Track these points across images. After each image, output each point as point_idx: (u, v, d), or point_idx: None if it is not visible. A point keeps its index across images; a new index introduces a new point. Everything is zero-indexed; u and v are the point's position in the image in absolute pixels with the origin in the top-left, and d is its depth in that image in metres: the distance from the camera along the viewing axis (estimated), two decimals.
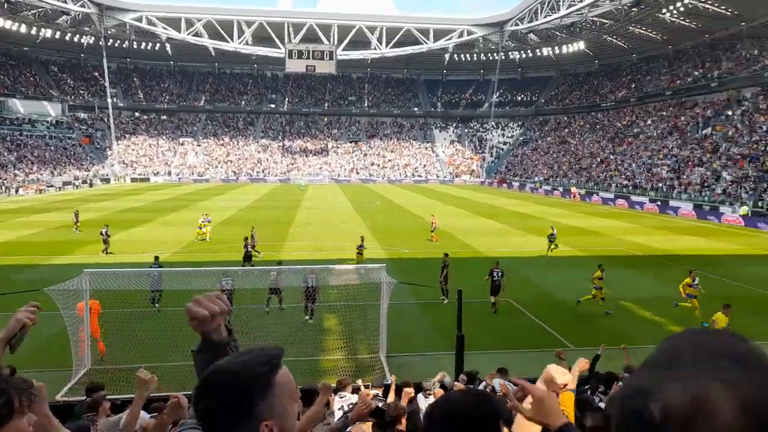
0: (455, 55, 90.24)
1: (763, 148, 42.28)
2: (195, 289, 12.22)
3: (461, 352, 10.90)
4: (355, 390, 6.91)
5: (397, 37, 77.69)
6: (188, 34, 75.53)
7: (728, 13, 60.23)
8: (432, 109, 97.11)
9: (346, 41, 76.95)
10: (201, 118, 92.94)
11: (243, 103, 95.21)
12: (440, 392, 6.31)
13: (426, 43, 79.41)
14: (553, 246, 24.21)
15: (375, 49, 79.56)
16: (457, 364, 10.78)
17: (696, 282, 15.26)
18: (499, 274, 16.50)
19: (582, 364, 3.16)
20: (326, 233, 30.00)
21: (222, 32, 75.41)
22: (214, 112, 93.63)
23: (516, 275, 20.39)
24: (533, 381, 2.41)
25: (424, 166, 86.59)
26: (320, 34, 76.85)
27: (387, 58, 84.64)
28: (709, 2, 57.28)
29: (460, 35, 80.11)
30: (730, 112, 51.99)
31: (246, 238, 21.07)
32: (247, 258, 20.22)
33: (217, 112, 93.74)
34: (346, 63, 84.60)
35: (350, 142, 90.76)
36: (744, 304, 16.21)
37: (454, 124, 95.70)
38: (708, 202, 39.74)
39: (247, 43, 77.53)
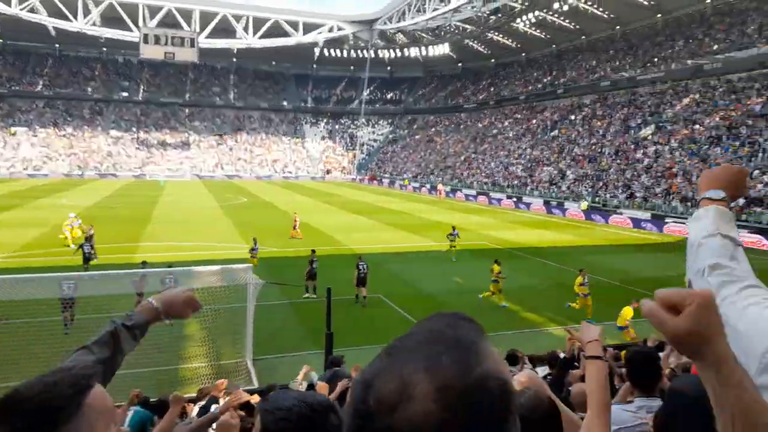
0: (325, 50, 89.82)
1: (599, 150, 47.54)
2: (30, 299, 10.58)
3: (330, 351, 10.71)
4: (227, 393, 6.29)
5: (264, 28, 75.26)
6: (21, 9, 66.16)
7: (571, 27, 67.10)
8: (302, 103, 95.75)
9: (209, 29, 72.77)
10: (38, 105, 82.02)
11: (90, 89, 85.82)
12: (322, 385, 5.86)
13: (295, 35, 78.02)
14: (453, 245, 23.67)
15: (241, 39, 76.33)
16: (327, 362, 10.47)
17: (586, 281, 15.60)
18: (365, 267, 16.54)
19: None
20: (188, 232, 27.91)
21: (64, 9, 67.12)
22: (54, 99, 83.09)
23: (385, 270, 20.54)
24: None
25: (294, 162, 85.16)
26: (180, 18, 71.81)
27: (254, 49, 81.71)
28: (556, 16, 63.27)
29: (330, 30, 79.91)
30: (573, 117, 57.82)
31: (86, 239, 18.74)
32: (86, 260, 17.98)
33: (58, 99, 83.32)
34: (209, 52, 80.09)
35: (215, 136, 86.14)
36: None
37: (325, 120, 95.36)
38: (555, 198, 43.75)
39: (94, 24, 69.96)
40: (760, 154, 33.65)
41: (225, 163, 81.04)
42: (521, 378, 2.50)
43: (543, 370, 7.95)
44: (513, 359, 8.68)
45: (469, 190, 54.95)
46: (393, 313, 15.62)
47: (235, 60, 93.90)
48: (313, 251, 17.81)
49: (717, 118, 40.13)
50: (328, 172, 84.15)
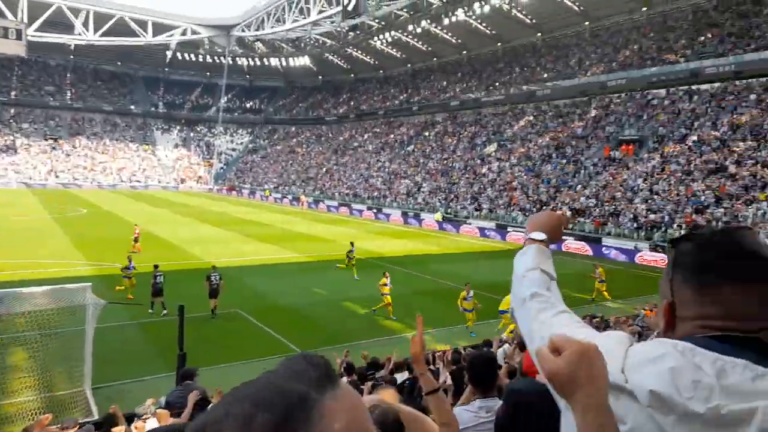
0: (178, 54, 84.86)
1: (451, 165, 50.98)
2: None
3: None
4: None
5: (108, 25, 68.86)
6: None
7: (424, 49, 71.31)
8: (152, 108, 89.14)
9: (40, 20, 64.79)
10: None
11: None
12: (162, 413, 5.45)
13: (144, 36, 72.68)
14: (352, 263, 22.88)
15: (80, 34, 69.11)
16: (178, 384, 9.78)
17: (471, 294, 15.84)
18: (217, 278, 16.12)
19: None
20: (13, 247, 24.41)
21: None
22: None
23: (245, 284, 19.90)
24: None
25: (144, 170, 78.88)
26: (2, 6, 63.10)
27: (96, 46, 74.55)
28: (410, 37, 66.80)
29: (184, 33, 75.73)
30: (427, 133, 61.34)
31: None
32: None
33: None
34: (41, 46, 71.40)
35: (47, 140, 76.65)
36: (435, 296, 19.14)
37: (179, 127, 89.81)
38: (412, 209, 45.93)
39: None
40: (582, 171, 38.63)
41: (60, 170, 72.40)
42: (367, 399, 2.63)
43: (402, 376, 8.27)
44: (376, 366, 8.91)
45: (332, 201, 55.47)
46: (252, 328, 15.15)
47: (72, 57, 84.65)
48: (156, 266, 16.70)
49: (548, 139, 45.33)
50: (182, 181, 79.30)
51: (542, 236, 1.44)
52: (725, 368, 0.92)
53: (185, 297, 16.59)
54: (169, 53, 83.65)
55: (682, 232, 25.80)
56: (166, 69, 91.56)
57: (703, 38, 41.88)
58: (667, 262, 1.10)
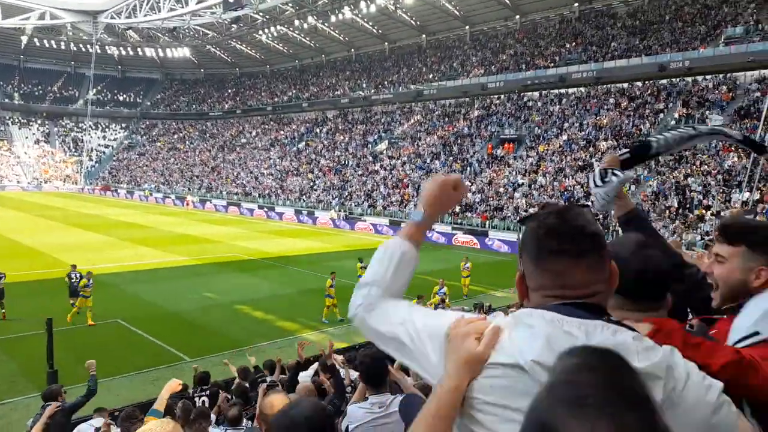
0: (36, 40, 76.01)
1: (344, 162, 50.99)
2: None
3: None
4: None
5: None
6: None
7: (312, 45, 70.65)
8: (6, 99, 78.91)
9: None
10: None
11: None
12: None
13: None
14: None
15: None
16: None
17: (443, 290, 16.07)
18: (78, 276, 15.44)
19: None
20: None
21: None
22: None
23: (125, 292, 18.33)
24: None
25: None
26: None
27: None
28: (297, 32, 65.77)
29: (41, 17, 67.81)
30: (318, 130, 60.82)
31: None
32: None
33: None
34: None
35: None
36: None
37: (40, 121, 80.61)
38: (306, 207, 45.28)
39: None
40: (469, 168, 40.54)
41: None
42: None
43: (307, 375, 8.01)
44: (271, 368, 8.58)
45: (220, 200, 53.04)
46: (135, 339, 13.94)
47: None
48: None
49: (436, 137, 46.99)
50: (46, 181, 71.35)
51: (419, 216, 1.47)
52: (589, 329, 1.05)
53: (54, 309, 14.91)
54: (24, 39, 74.68)
55: None
56: (22, 56, 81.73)
57: (568, 46, 45.81)
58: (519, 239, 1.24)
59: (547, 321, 1.07)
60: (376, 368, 3.46)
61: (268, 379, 7.91)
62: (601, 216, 28.61)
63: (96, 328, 14.57)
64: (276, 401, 2.82)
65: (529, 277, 1.17)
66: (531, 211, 32.03)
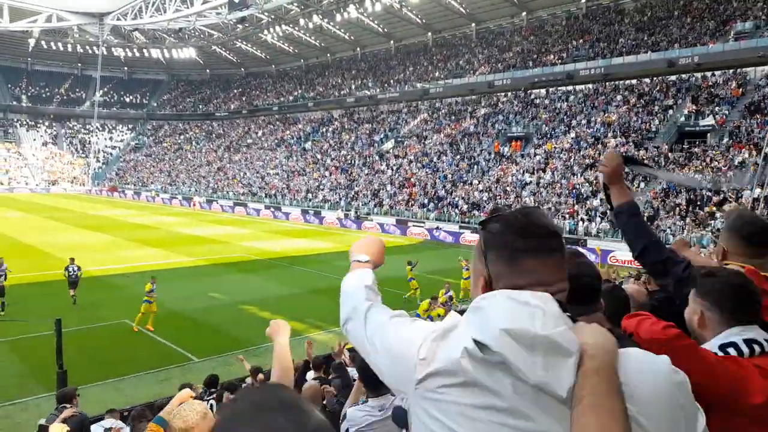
0: (44, 42, 76.39)
1: (350, 162, 50.90)
2: None
3: None
4: None
5: None
6: None
7: (317, 45, 70.60)
8: (14, 102, 79.38)
9: None
10: None
11: None
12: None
13: None
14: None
15: None
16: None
17: (449, 293, 16.04)
18: (75, 269, 16.34)
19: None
20: None
21: None
22: None
23: (130, 292, 18.30)
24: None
25: (7, 171, 70.33)
26: None
27: None
28: (302, 32, 65.72)
29: (48, 20, 68.08)
30: (324, 129, 60.78)
31: None
32: None
33: None
34: None
35: None
36: (338, 294, 18.74)
37: (47, 123, 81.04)
38: (312, 207, 45.23)
39: None
40: (476, 166, 40.34)
41: None
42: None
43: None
44: (255, 372, 8.46)
45: (226, 200, 53.10)
46: (143, 339, 13.93)
47: None
48: None
49: (442, 135, 46.81)
50: (53, 183, 71.74)
51: (365, 258, 1.60)
52: (546, 300, 1.09)
53: (62, 309, 14.92)
54: (32, 41, 75.12)
55: (567, 222, 27.62)
56: (29, 59, 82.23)
57: (576, 42, 45.48)
58: (478, 241, 1.24)
59: (500, 296, 1.09)
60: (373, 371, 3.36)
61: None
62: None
63: (104, 329, 14.56)
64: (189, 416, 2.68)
65: (500, 279, 1.16)
66: None
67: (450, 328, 1.11)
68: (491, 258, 1.18)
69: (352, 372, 7.44)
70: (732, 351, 1.66)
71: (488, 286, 1.18)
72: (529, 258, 1.13)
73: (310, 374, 7.94)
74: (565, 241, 1.22)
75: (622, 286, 2.58)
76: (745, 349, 1.65)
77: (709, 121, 31.86)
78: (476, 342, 1.01)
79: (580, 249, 1.44)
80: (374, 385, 3.32)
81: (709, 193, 26.88)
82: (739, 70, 34.35)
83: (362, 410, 3.26)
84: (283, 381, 2.27)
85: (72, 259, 17.48)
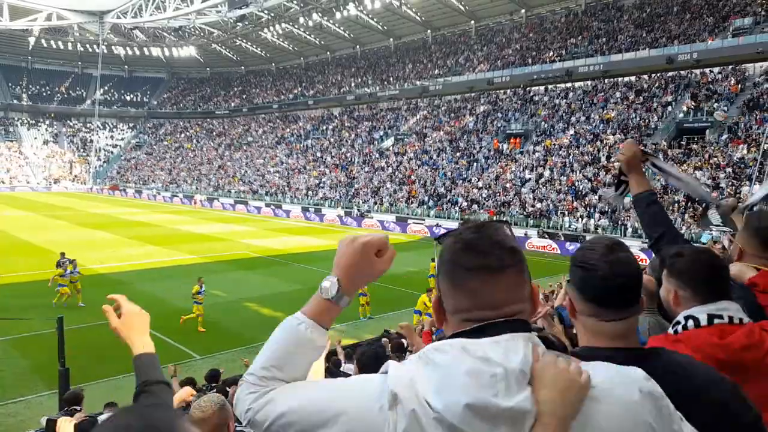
0: (44, 41, 76.48)
1: (350, 159, 51.00)
2: None
3: (66, 389, 9.13)
4: None
5: None
6: None
7: (317, 43, 70.58)
8: (15, 101, 79.49)
9: None
10: None
11: None
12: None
13: None
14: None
15: None
16: (62, 402, 8.98)
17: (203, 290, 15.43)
18: (67, 262, 16.53)
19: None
20: None
21: None
22: None
23: (132, 289, 18.44)
24: None
25: (9, 170, 70.52)
26: None
27: None
28: (302, 30, 65.73)
29: (48, 18, 68.18)
30: (324, 127, 60.86)
31: None
32: None
33: None
34: None
35: None
36: None
37: (48, 122, 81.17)
38: (313, 205, 45.35)
39: None
40: (475, 164, 40.43)
41: None
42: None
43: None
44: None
45: (227, 198, 53.24)
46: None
47: None
48: None
49: (442, 133, 46.88)
50: (55, 181, 71.89)
51: (333, 290, 1.20)
52: (509, 347, 0.98)
53: (64, 308, 15.07)
54: (32, 40, 75.19)
55: (566, 218, 27.73)
56: (30, 58, 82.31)
57: (575, 40, 45.50)
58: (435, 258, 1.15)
59: (456, 350, 0.98)
60: (375, 366, 3.45)
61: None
62: (610, 210, 28.50)
63: (106, 327, 14.61)
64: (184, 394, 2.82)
65: (446, 299, 1.08)
66: (538, 206, 31.97)
67: (397, 393, 0.96)
68: (441, 276, 1.09)
69: (347, 368, 7.58)
70: (690, 323, 1.73)
71: (440, 307, 1.11)
72: (473, 276, 1.03)
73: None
74: (523, 256, 1.08)
75: None
76: (704, 322, 1.71)
77: (718, 116, 31.61)
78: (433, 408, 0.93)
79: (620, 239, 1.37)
80: None
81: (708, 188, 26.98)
82: (738, 66, 34.40)
83: None
84: None
85: (62, 254, 17.45)
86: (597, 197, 29.94)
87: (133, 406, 0.78)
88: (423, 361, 0.99)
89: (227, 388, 7.30)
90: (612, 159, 31.97)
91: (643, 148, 2.44)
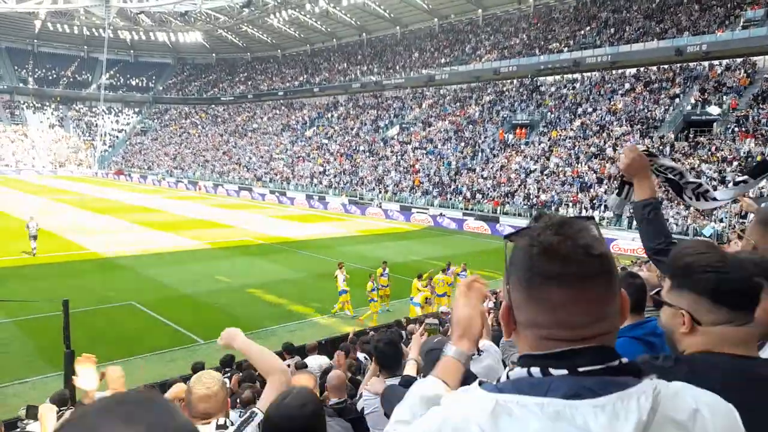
0: (50, 24, 76.33)
1: (355, 148, 50.91)
2: None
3: (71, 372, 9.19)
4: None
5: None
6: None
7: (323, 29, 70.18)
8: (21, 84, 79.58)
9: None
10: None
11: None
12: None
13: (5, 2, 64.29)
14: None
15: None
16: (67, 384, 9.07)
17: (386, 272, 15.89)
18: (36, 225, 19.14)
19: None
20: None
21: None
22: None
23: (137, 274, 18.59)
24: None
25: (14, 153, 70.75)
26: None
27: None
28: (308, 17, 65.38)
29: (54, 1, 67.91)
30: (329, 115, 60.70)
31: None
32: None
33: None
34: None
35: None
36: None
37: (54, 105, 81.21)
38: (317, 193, 45.38)
39: None
40: (480, 153, 40.30)
41: None
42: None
43: (316, 359, 8.11)
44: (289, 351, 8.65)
45: (232, 185, 53.32)
46: (150, 321, 14.17)
47: None
48: None
49: (447, 122, 46.70)
50: (60, 165, 72.11)
51: (454, 349, 1.24)
52: (618, 412, 0.81)
53: (71, 290, 15.20)
54: (38, 23, 75.04)
55: (570, 210, 27.66)
56: (36, 41, 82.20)
57: (583, 30, 45.07)
58: (505, 260, 0.97)
59: (547, 416, 0.80)
60: (390, 352, 3.45)
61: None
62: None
63: (111, 311, 14.81)
64: (302, 380, 2.90)
65: (519, 310, 0.93)
66: (542, 197, 31.88)
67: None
68: (513, 282, 0.94)
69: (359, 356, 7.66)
70: None
71: (511, 317, 0.96)
72: (554, 287, 0.87)
73: (317, 359, 8.13)
74: (614, 264, 0.93)
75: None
76: None
77: (712, 110, 31.37)
78: None
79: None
80: (389, 366, 3.42)
81: (714, 183, 26.85)
82: (748, 58, 34.03)
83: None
84: (277, 383, 2.32)
85: (31, 217, 20.43)
86: (603, 189, 29.84)
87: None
88: (495, 415, 0.83)
89: (233, 375, 7.37)
90: (616, 162, 31.82)
91: (647, 149, 2.37)
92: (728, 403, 0.90)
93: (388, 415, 2.45)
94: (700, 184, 2.61)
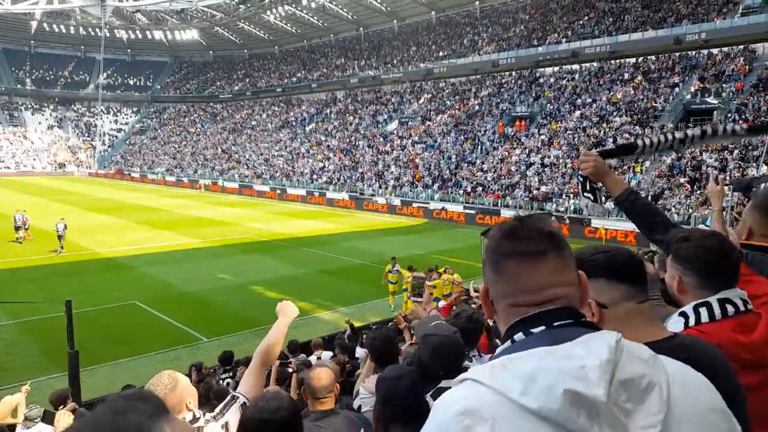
0: (46, 25, 76.09)
1: (354, 143, 50.83)
2: None
3: (76, 372, 9.27)
4: None
5: None
6: None
7: (320, 25, 69.95)
8: (19, 86, 79.44)
9: None
10: None
11: None
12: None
13: (0, 4, 64.05)
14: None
15: None
16: (72, 384, 9.09)
17: (396, 268, 15.40)
18: (22, 217, 19.52)
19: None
20: None
21: None
22: None
23: (140, 273, 18.61)
24: None
25: (14, 155, 70.75)
26: None
27: None
28: (305, 12, 65.14)
29: (50, 2, 67.65)
30: (328, 111, 60.56)
31: None
32: None
33: None
34: None
35: None
36: (345, 275, 19.07)
37: (52, 106, 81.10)
38: (317, 189, 45.32)
39: None
40: (480, 147, 40.22)
41: None
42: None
43: (320, 354, 8.11)
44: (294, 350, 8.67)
45: (232, 183, 53.27)
46: (153, 320, 14.19)
47: None
48: None
49: (446, 116, 46.58)
50: (60, 166, 72.09)
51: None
52: (590, 345, 0.93)
53: (73, 291, 15.21)
54: (34, 24, 74.81)
55: (571, 201, 27.59)
56: (32, 42, 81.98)
57: (581, 20, 44.88)
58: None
59: (537, 356, 0.92)
60: (386, 348, 3.44)
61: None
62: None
63: (114, 310, 14.83)
64: (323, 374, 2.88)
65: (491, 287, 1.11)
66: (543, 189, 31.84)
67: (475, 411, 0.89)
68: (486, 265, 1.12)
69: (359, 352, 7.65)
70: (704, 311, 1.65)
71: (488, 297, 1.12)
72: (511, 260, 1.05)
73: (320, 355, 8.13)
74: (565, 242, 1.08)
75: None
76: (717, 310, 1.64)
77: (727, 90, 31.13)
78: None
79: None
80: (385, 363, 3.35)
81: (715, 171, 26.80)
82: (747, 46, 33.89)
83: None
84: (265, 354, 2.46)
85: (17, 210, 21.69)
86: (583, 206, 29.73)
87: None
88: (492, 370, 0.93)
89: (242, 368, 7.37)
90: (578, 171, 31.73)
91: (600, 149, 2.43)
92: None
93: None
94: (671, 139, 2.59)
